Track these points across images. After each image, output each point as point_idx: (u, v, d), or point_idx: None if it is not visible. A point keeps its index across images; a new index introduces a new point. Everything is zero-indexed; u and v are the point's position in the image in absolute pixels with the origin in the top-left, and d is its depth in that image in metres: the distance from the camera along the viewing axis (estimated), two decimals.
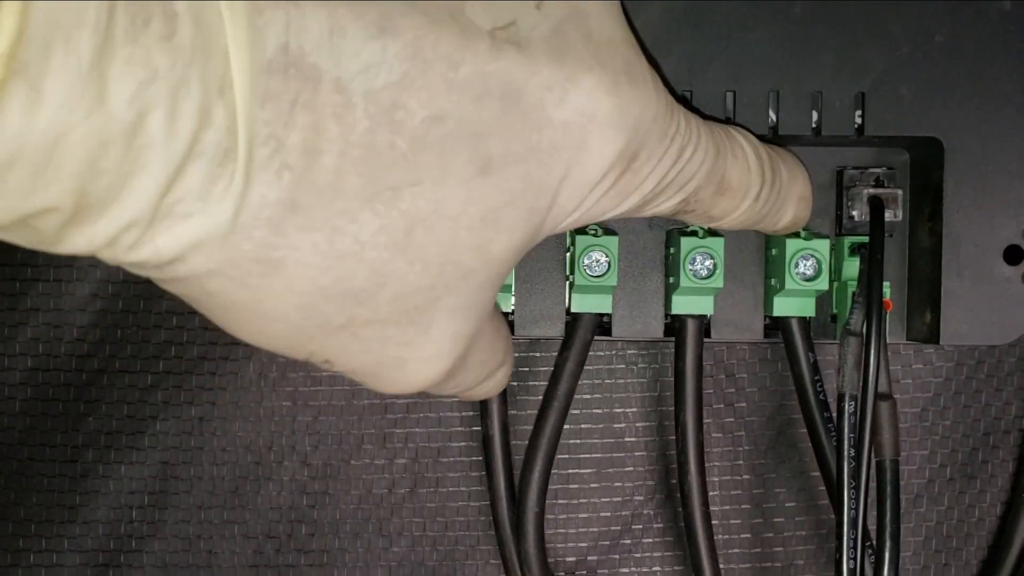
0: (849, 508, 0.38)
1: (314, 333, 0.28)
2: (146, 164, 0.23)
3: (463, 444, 0.46)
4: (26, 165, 0.21)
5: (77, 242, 0.24)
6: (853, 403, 0.39)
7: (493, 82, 0.27)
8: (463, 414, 0.46)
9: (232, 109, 0.23)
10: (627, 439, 0.46)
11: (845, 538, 0.38)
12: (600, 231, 0.41)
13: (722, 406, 0.46)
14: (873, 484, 0.39)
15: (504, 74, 0.27)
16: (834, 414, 0.41)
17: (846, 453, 0.38)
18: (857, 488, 0.38)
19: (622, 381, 0.46)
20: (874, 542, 0.39)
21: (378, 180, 0.26)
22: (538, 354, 0.46)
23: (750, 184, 0.35)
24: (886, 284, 0.40)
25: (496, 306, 0.35)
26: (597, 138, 0.29)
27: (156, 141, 0.23)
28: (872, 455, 0.38)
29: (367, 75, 0.25)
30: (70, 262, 0.45)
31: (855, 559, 0.38)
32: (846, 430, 0.38)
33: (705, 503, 0.41)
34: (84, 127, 0.22)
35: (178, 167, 0.23)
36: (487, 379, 0.34)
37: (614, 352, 0.46)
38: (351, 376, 0.30)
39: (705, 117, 0.39)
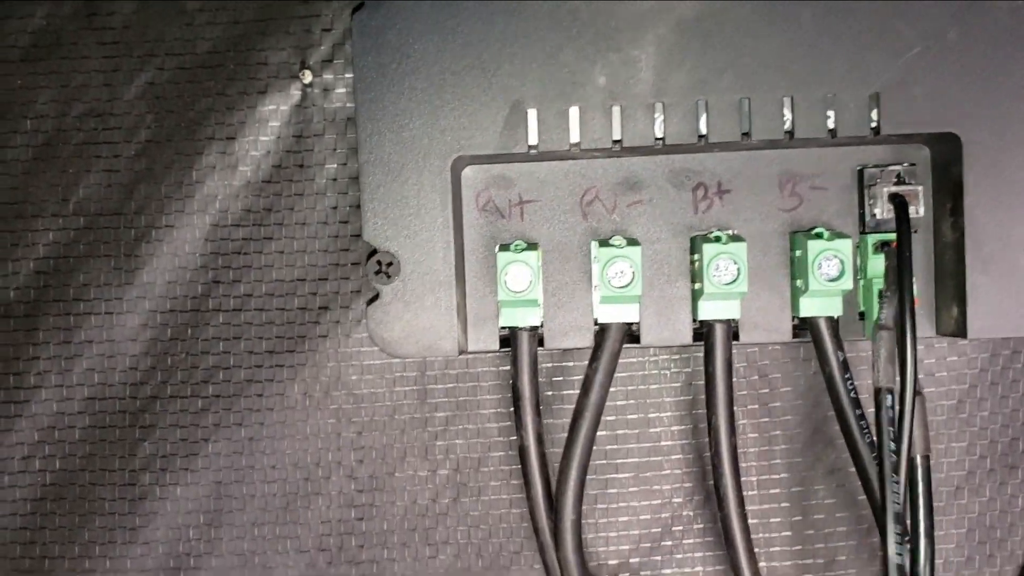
0: (892, 503, 0.38)
1: None
2: None
3: (503, 454, 0.47)
4: None
5: None
6: (890, 396, 0.39)
7: None
8: (500, 424, 0.47)
9: None
10: (663, 443, 0.47)
11: (891, 534, 0.38)
12: (624, 242, 0.41)
13: (756, 406, 0.46)
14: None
15: None
16: (867, 411, 0.41)
17: (887, 448, 0.38)
18: (899, 482, 0.38)
19: (655, 386, 0.47)
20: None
21: None
22: (571, 363, 0.47)
23: None
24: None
25: None
26: None
27: None
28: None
29: None
30: (120, 295, 0.47)
31: (901, 555, 0.38)
32: (884, 424, 0.38)
33: (741, 505, 0.42)
34: None
35: None
36: None
37: (646, 358, 0.47)
38: None
39: (720, 127, 0.40)
